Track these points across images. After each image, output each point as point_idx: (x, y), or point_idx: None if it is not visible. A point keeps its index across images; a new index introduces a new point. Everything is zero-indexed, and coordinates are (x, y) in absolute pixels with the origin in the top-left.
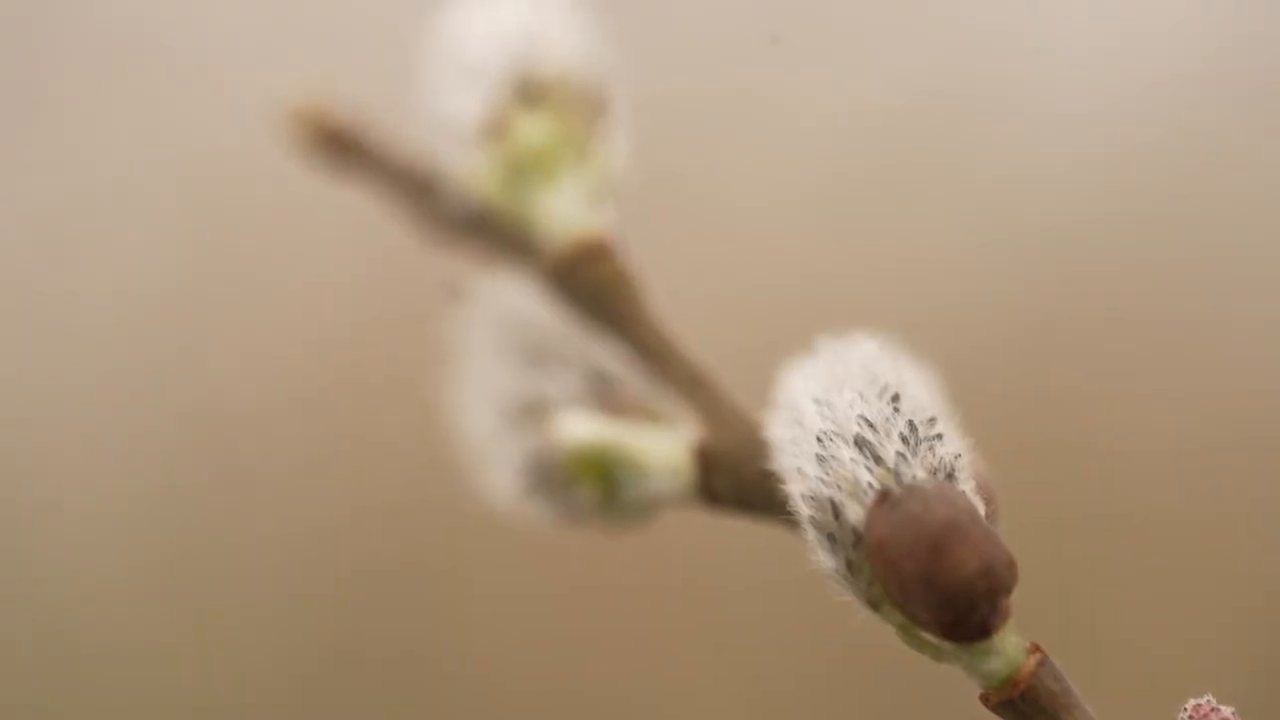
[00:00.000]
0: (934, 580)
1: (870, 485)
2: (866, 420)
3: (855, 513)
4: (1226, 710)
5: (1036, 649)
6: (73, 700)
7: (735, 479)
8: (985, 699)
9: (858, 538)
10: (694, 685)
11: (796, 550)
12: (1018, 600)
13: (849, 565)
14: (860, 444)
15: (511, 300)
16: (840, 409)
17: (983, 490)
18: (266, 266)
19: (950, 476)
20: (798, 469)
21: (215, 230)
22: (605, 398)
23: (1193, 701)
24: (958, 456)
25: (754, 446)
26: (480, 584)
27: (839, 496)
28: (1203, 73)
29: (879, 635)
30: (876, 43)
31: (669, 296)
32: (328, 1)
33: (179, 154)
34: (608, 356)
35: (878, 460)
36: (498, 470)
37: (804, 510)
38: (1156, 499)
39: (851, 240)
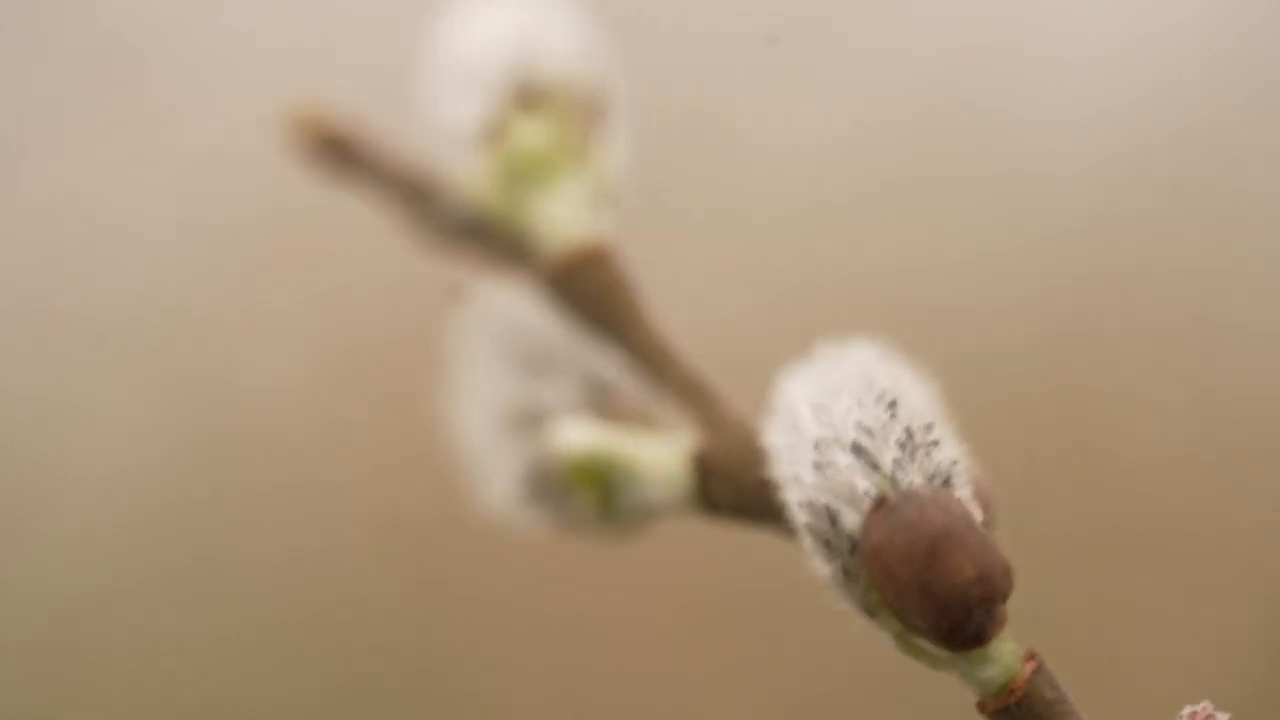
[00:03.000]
0: (929, 587)
1: (867, 492)
2: (864, 427)
3: (852, 519)
4: (1223, 717)
5: (1032, 656)
6: (76, 708)
7: (733, 486)
8: (982, 706)
9: (854, 544)
10: (703, 693)
11: (794, 557)
12: (1023, 607)
13: (846, 572)
14: (857, 450)
15: (509, 306)
16: (837, 415)
17: (980, 497)
18: (271, 278)
19: (947, 483)
20: (795, 476)
21: (220, 241)
22: (603, 405)
23: (1189, 709)
24: (954, 463)
25: (752, 454)
26: (488, 596)
27: (835, 503)
28: (1210, 74)
29: (879, 643)
30: (881, 47)
31: (669, 302)
32: (328, 7)
33: (181, 165)
34: (605, 363)
35: (875, 467)
36: (495, 478)
37: (801, 517)
38: (1165, 503)
39: (853, 245)
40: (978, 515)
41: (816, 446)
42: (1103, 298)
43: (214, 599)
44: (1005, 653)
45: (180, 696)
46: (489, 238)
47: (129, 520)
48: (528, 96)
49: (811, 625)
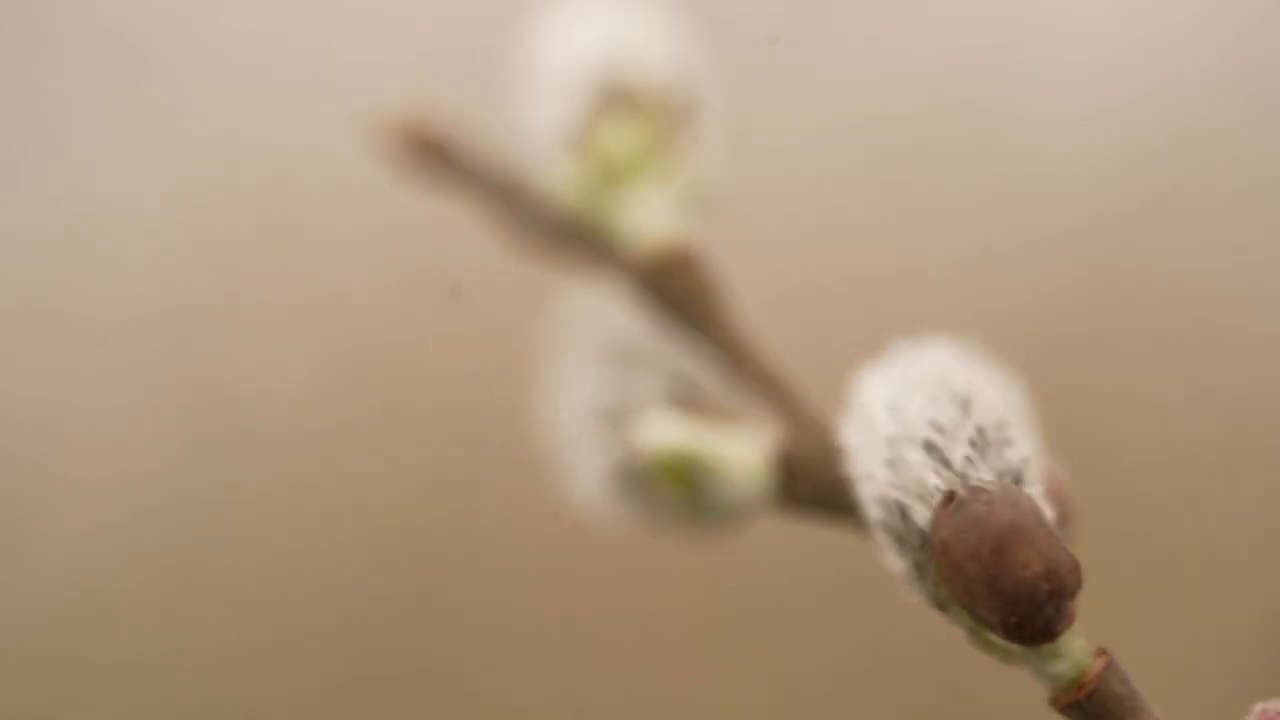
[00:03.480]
0: (997, 582)
1: (936, 488)
2: (936, 424)
3: (922, 515)
4: None
5: (1103, 652)
6: (76, 708)
7: (812, 484)
8: (1054, 701)
9: (924, 540)
10: (704, 692)
11: (796, 556)
12: None
13: (917, 567)
14: (929, 448)
15: (598, 307)
16: (911, 413)
17: (1054, 494)
18: (272, 277)
19: (1018, 480)
20: (868, 472)
21: (220, 241)
22: (687, 402)
23: (1260, 706)
24: (1025, 460)
25: (829, 451)
26: (490, 596)
27: (906, 499)
28: (1210, 74)
29: (880, 642)
30: (881, 47)
31: None
32: (328, 7)
33: (181, 165)
34: (690, 361)
35: (946, 464)
36: (581, 474)
37: (874, 513)
38: (1165, 503)
39: (852, 245)
40: (1049, 512)
41: (889, 444)
42: (1103, 298)
43: (214, 598)
44: (1076, 648)
45: (180, 696)
46: (578, 239)
47: (129, 520)
48: (618, 99)
49: (816, 626)
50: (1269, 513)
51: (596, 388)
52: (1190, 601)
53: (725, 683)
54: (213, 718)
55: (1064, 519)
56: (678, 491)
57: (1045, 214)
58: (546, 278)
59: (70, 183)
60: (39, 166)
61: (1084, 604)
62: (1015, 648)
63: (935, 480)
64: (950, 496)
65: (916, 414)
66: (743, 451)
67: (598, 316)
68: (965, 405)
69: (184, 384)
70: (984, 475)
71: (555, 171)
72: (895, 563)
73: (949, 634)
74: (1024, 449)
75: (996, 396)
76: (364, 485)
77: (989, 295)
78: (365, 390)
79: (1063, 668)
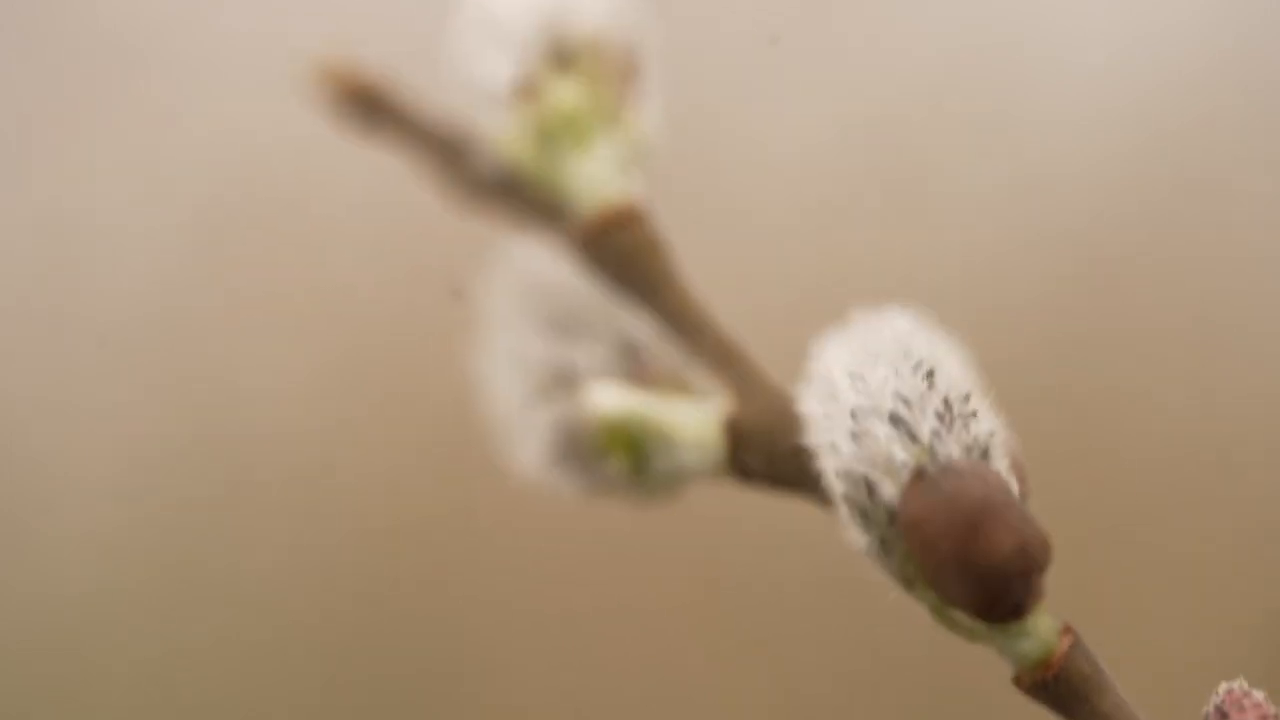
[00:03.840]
0: (969, 560)
1: (905, 463)
2: (901, 396)
3: (889, 490)
4: (1258, 695)
5: (1069, 630)
6: (76, 707)
7: (766, 453)
8: (1018, 680)
9: (892, 516)
10: (705, 691)
11: (797, 555)
12: None
13: (882, 543)
14: (895, 421)
15: (540, 267)
16: (875, 384)
17: (1015, 469)
18: (272, 276)
19: (985, 455)
20: (831, 444)
21: (220, 240)
22: (635, 368)
23: (1225, 685)
24: (992, 434)
25: (785, 420)
26: (491, 595)
27: (873, 474)
28: (1210, 74)
29: (881, 642)
30: (881, 47)
31: None
32: (329, 7)
33: (181, 164)
34: (638, 326)
35: (913, 438)
36: (527, 441)
37: (838, 487)
38: (1165, 503)
39: (851, 245)
40: (1015, 488)
41: (854, 415)
42: (1103, 298)
43: (214, 598)
44: (1042, 627)
45: (180, 696)
46: (520, 196)
47: (129, 519)
48: (561, 54)
49: (815, 626)
50: (1269, 512)
51: (541, 353)
52: (1190, 601)
53: (725, 683)
54: (213, 718)
55: (1024, 494)
56: (625, 460)
57: (1045, 214)
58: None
59: (70, 182)
60: (39, 166)
61: (1085, 603)
62: (981, 626)
63: (903, 455)
64: (920, 473)
65: (881, 385)
66: (692, 419)
67: (541, 277)
68: (929, 376)
69: (184, 383)
70: (952, 450)
71: (498, 126)
72: (858, 538)
73: (948, 633)
74: (989, 422)
75: (958, 367)
76: (363, 485)
77: (989, 294)
78: (365, 390)
79: (1029, 647)
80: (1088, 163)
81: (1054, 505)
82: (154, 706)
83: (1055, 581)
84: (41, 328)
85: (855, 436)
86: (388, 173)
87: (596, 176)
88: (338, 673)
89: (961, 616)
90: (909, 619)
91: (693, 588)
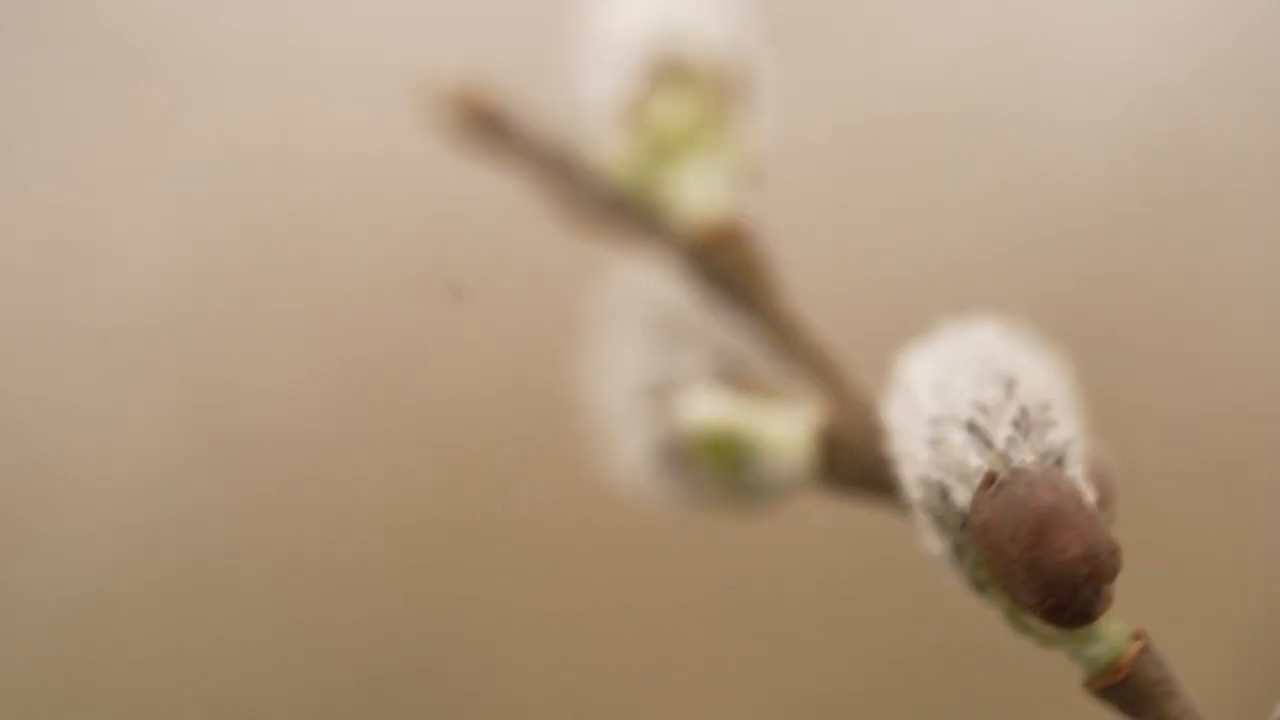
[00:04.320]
0: (1036, 564)
1: (978, 469)
2: (979, 405)
3: (962, 496)
4: None
5: (1140, 636)
6: (77, 708)
7: (855, 463)
8: (1089, 685)
9: (964, 521)
10: (706, 691)
11: (798, 555)
12: None
13: (957, 548)
14: (971, 428)
15: (646, 281)
16: (953, 393)
17: (1097, 477)
18: (275, 278)
19: (1059, 462)
20: (910, 452)
21: (223, 241)
22: (732, 379)
23: None
24: (1068, 442)
25: (873, 431)
26: (495, 596)
27: (948, 480)
28: (1210, 74)
29: (881, 641)
30: (882, 47)
31: None
32: (329, 6)
33: (183, 165)
34: (737, 338)
35: (988, 445)
36: (625, 448)
37: (914, 493)
38: (1165, 503)
39: (851, 246)
40: (1090, 495)
41: (932, 423)
42: (1103, 298)
43: (215, 599)
44: (1112, 631)
45: (181, 696)
46: (628, 213)
47: (130, 520)
48: (671, 73)
49: (818, 625)
50: (1270, 512)
51: (642, 362)
52: (1192, 601)
53: (725, 683)
54: (213, 718)
55: (1105, 502)
56: (720, 468)
57: (1046, 214)
58: (547, 279)
59: (71, 184)
60: (40, 168)
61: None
62: (1052, 630)
63: (977, 461)
64: (991, 478)
65: (959, 394)
66: (786, 429)
67: (645, 291)
68: (1009, 386)
69: (186, 385)
70: (1026, 457)
71: (607, 145)
72: (935, 543)
73: (951, 634)
74: (1067, 430)
75: (1042, 377)
76: (365, 486)
77: (989, 294)
78: (367, 392)
79: (1099, 651)
80: (1088, 163)
81: None
82: (155, 707)
83: None
84: (43, 329)
85: (933, 444)
86: (389, 173)
87: (704, 193)
88: (339, 673)
89: (1033, 621)
90: (909, 619)
91: (693, 588)
